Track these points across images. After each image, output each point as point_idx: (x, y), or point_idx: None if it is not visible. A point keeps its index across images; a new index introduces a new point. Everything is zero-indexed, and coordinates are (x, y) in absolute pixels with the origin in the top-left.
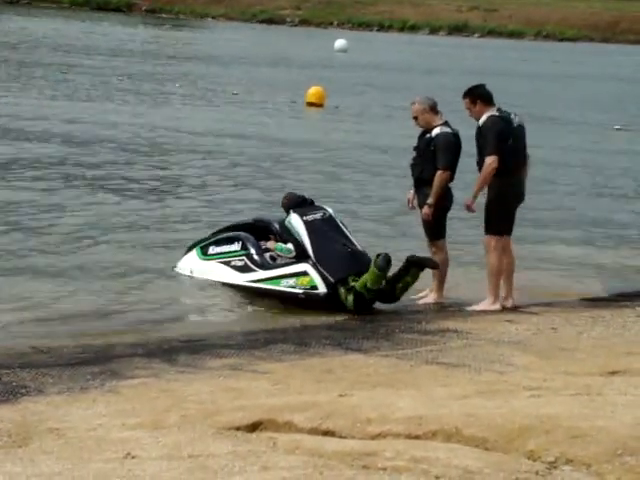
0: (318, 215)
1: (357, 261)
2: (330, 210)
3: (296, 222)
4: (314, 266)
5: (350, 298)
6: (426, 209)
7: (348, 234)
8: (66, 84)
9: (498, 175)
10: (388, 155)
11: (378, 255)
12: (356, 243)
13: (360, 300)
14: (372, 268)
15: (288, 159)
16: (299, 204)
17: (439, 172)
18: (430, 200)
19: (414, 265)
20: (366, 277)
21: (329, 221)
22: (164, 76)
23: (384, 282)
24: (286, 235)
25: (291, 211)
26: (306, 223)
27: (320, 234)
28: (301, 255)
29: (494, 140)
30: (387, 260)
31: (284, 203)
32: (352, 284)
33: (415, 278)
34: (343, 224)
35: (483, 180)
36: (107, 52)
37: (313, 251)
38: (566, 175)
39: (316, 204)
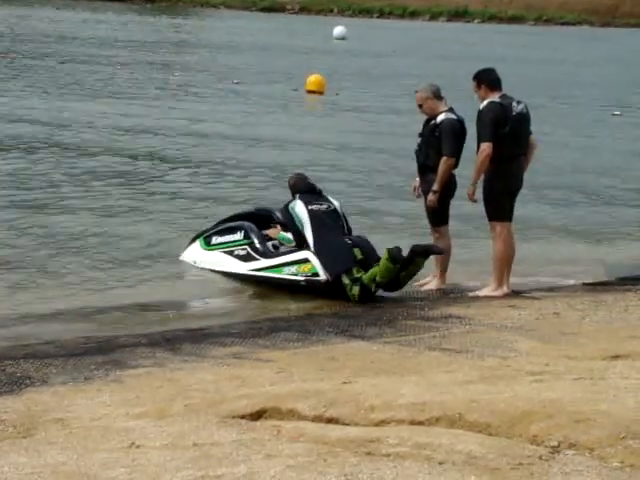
0: (323, 207)
1: (362, 253)
2: (336, 203)
3: (300, 209)
4: (315, 253)
5: (356, 289)
6: (431, 196)
7: (348, 230)
8: (65, 74)
9: (494, 162)
10: (388, 142)
11: (389, 249)
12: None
13: (365, 292)
14: (385, 261)
15: (292, 149)
16: (307, 190)
17: (444, 159)
18: (435, 186)
19: (419, 255)
20: (376, 270)
21: (333, 214)
22: (162, 65)
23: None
24: (287, 220)
25: (297, 196)
26: (310, 212)
27: (322, 226)
28: (300, 244)
29: (489, 126)
30: (400, 252)
31: (292, 184)
32: (357, 275)
33: (420, 266)
34: (346, 220)
35: (479, 167)
36: (106, 41)
37: (313, 243)
38: (562, 161)
39: (323, 195)
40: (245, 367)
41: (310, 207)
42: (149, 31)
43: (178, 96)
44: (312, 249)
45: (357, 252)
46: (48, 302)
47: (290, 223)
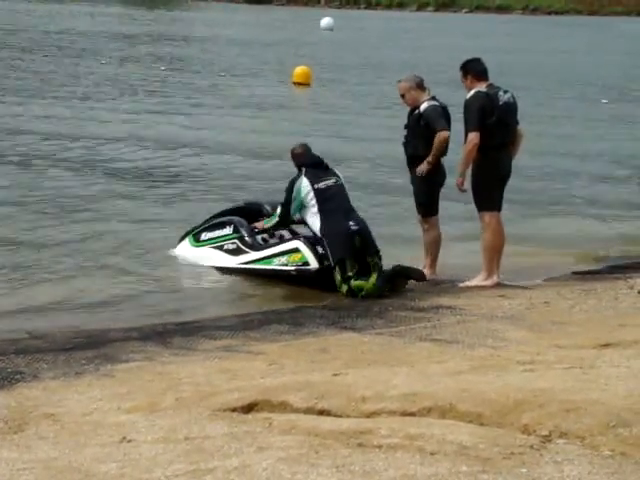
0: (331, 182)
1: (361, 242)
2: (341, 177)
3: (306, 190)
4: (305, 242)
5: (344, 288)
6: (423, 165)
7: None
8: (47, 69)
9: (481, 151)
10: (375, 133)
11: (381, 273)
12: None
13: (352, 294)
14: (372, 285)
15: (277, 141)
16: (313, 164)
17: (438, 133)
18: (430, 158)
19: (399, 275)
20: (364, 284)
21: (340, 190)
22: (148, 58)
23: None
24: (286, 192)
25: (303, 171)
26: (317, 191)
27: (330, 205)
28: (285, 220)
29: (476, 116)
30: (388, 284)
31: (296, 155)
32: (350, 273)
33: (401, 288)
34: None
35: (466, 157)
36: (89, 34)
37: (321, 224)
38: (551, 152)
39: (330, 168)
40: (236, 360)
41: (317, 186)
42: (134, 24)
43: (162, 91)
44: (319, 232)
45: (357, 240)
46: (38, 297)
47: (287, 195)
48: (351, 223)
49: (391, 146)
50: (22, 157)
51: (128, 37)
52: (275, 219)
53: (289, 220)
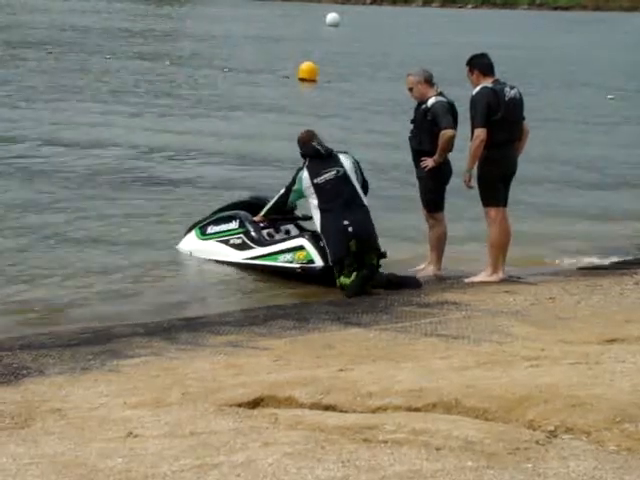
0: (331, 174)
1: (357, 245)
2: (347, 163)
3: (306, 182)
4: (310, 240)
5: (338, 283)
6: (430, 162)
7: (358, 189)
8: (53, 64)
9: (487, 147)
10: (380, 129)
11: (360, 271)
12: (364, 200)
13: (342, 289)
14: (351, 280)
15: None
16: (314, 155)
17: (443, 132)
18: (436, 156)
19: (392, 285)
20: (346, 281)
21: (341, 182)
22: (152, 55)
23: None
24: (291, 179)
25: (306, 163)
26: (316, 187)
27: (328, 202)
28: (283, 202)
29: (482, 112)
30: (363, 288)
31: (301, 144)
32: (344, 271)
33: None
34: (359, 169)
35: (473, 153)
36: (93, 30)
37: (320, 221)
38: (555, 149)
39: (333, 156)
40: (242, 355)
41: (315, 180)
42: (138, 20)
43: (167, 87)
44: (319, 229)
45: (352, 244)
46: (43, 293)
47: (291, 181)
48: (346, 223)
49: (393, 140)
50: (24, 159)
51: (132, 33)
52: (274, 200)
53: (286, 203)
